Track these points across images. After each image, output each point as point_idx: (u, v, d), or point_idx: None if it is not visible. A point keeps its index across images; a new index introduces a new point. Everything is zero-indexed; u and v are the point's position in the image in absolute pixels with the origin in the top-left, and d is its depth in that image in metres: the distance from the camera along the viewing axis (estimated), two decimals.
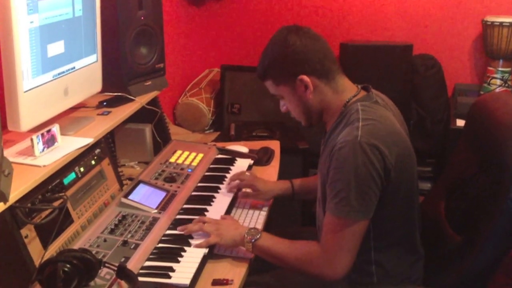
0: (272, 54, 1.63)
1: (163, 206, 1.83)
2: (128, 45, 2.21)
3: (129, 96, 2.22)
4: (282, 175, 2.29)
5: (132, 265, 1.52)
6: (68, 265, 1.34)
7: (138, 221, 1.74)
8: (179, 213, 1.85)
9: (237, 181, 2.01)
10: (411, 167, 1.58)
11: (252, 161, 2.30)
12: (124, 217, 1.74)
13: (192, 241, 1.65)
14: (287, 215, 2.60)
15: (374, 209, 1.51)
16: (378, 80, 3.01)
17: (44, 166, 1.60)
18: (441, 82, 3.19)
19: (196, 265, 1.55)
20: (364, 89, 1.68)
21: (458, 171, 1.79)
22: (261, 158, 2.36)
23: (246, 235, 1.63)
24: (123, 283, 1.44)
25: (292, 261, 1.58)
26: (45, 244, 1.51)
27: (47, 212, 1.54)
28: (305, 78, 1.59)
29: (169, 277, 1.50)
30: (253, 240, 1.61)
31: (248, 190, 2.01)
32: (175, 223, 1.78)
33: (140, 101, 2.23)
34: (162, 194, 1.90)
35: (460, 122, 2.90)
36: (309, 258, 1.55)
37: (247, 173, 2.11)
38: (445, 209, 1.78)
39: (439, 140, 3.16)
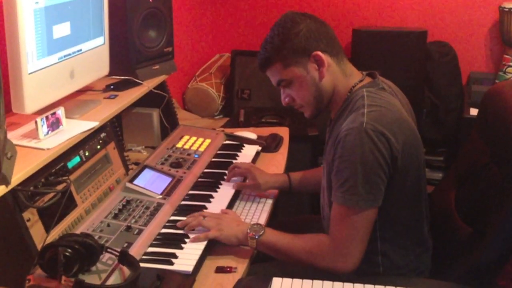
0: (283, 33, 1.56)
1: (168, 192, 1.81)
2: (136, 28, 2.18)
3: (137, 80, 2.19)
4: (290, 163, 2.26)
5: (135, 250, 1.50)
6: (69, 250, 1.32)
7: (143, 206, 1.72)
8: (184, 199, 1.83)
9: (232, 171, 1.98)
10: (418, 156, 1.53)
11: (260, 148, 2.28)
12: (128, 202, 1.73)
13: (192, 235, 1.61)
14: (295, 203, 2.57)
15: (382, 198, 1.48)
16: (391, 67, 2.98)
17: (48, 149, 1.58)
18: (455, 70, 3.12)
19: (199, 252, 1.54)
20: (370, 75, 1.63)
21: (470, 161, 1.75)
22: (269, 144, 2.33)
23: (249, 231, 1.59)
24: (125, 268, 1.42)
25: (301, 255, 1.54)
26: (48, 228, 1.50)
27: (50, 195, 1.52)
28: (320, 53, 1.54)
29: (172, 263, 1.48)
30: (256, 237, 1.58)
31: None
32: (180, 209, 1.77)
33: (147, 85, 2.20)
34: (168, 179, 1.88)
35: (474, 111, 2.84)
36: (319, 251, 1.51)
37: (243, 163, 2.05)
38: (455, 199, 1.74)
39: (452, 129, 3.10)
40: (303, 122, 2.84)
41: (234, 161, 2.12)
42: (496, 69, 3.18)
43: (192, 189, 1.90)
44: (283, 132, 2.51)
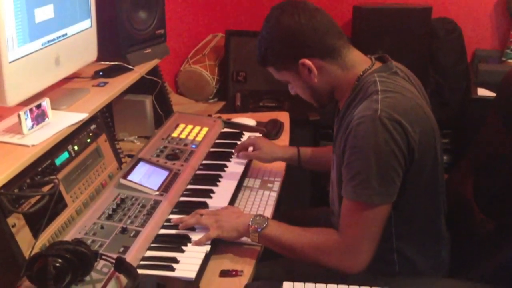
0: (267, 40, 1.47)
1: (165, 188, 1.68)
2: (126, 9, 2.03)
3: (127, 65, 2.05)
4: None
5: (132, 255, 1.38)
6: (59, 260, 1.20)
7: (138, 204, 1.59)
8: (183, 195, 1.71)
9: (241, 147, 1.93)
10: (436, 146, 1.42)
11: (260, 135, 2.15)
12: (123, 200, 1.60)
13: (192, 237, 1.49)
14: (296, 195, 2.46)
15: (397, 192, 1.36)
16: (394, 45, 2.85)
17: (33, 145, 1.45)
18: (461, 47, 2.99)
19: (202, 256, 1.42)
20: (379, 59, 1.50)
21: (488, 148, 1.64)
22: (269, 131, 2.22)
23: (250, 224, 1.47)
24: (122, 277, 1.30)
25: (307, 252, 1.43)
26: (36, 233, 1.37)
27: (37, 197, 1.39)
28: (307, 61, 1.43)
29: (173, 269, 1.36)
30: (259, 230, 1.46)
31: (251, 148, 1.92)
32: (179, 207, 1.64)
33: (139, 71, 2.07)
34: (164, 173, 1.75)
35: (481, 91, 2.74)
36: (326, 248, 1.40)
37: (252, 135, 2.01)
38: (473, 189, 1.63)
39: (457, 110, 2.98)
40: (303, 105, 2.69)
41: (233, 151, 1.99)
42: (502, 47, 3.05)
43: (191, 183, 1.78)
44: (283, 117, 2.40)
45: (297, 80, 1.49)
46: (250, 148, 1.93)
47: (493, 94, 2.66)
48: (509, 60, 2.90)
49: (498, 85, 1.73)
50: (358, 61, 1.47)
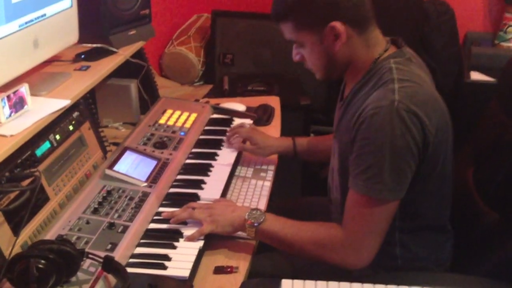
0: None
1: (154, 178, 1.59)
2: None
3: (111, 48, 1.95)
4: (282, 134, 2.08)
5: (121, 253, 1.29)
6: (43, 261, 1.11)
7: (126, 197, 1.49)
8: (173, 186, 1.62)
9: (235, 136, 1.86)
10: (448, 139, 1.35)
11: (251, 121, 2.07)
12: (109, 192, 1.50)
13: (184, 232, 1.41)
14: (287, 183, 2.39)
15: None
16: (385, 27, 2.74)
17: (12, 135, 1.36)
18: (453, 30, 2.91)
19: (195, 252, 1.34)
20: (394, 43, 1.42)
21: (490, 136, 1.58)
22: (260, 117, 2.13)
23: (247, 218, 1.39)
24: (110, 276, 1.21)
25: (307, 247, 1.36)
26: (16, 230, 1.28)
27: (16, 192, 1.29)
28: (338, 25, 1.30)
29: (165, 267, 1.28)
30: (256, 224, 1.38)
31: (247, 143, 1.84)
32: (168, 199, 1.56)
33: (123, 54, 1.96)
34: (152, 163, 1.66)
35: (475, 75, 2.67)
36: (329, 243, 1.33)
37: (246, 124, 1.94)
38: (474, 179, 1.58)
39: (450, 94, 2.92)
40: (293, 89, 2.63)
41: (224, 138, 1.91)
42: (494, 29, 2.99)
43: (181, 173, 1.69)
44: (274, 101, 2.31)
45: (317, 45, 1.35)
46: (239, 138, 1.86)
47: (487, 78, 2.63)
48: (502, 43, 2.84)
49: (499, 72, 1.67)
50: (379, 40, 1.38)
